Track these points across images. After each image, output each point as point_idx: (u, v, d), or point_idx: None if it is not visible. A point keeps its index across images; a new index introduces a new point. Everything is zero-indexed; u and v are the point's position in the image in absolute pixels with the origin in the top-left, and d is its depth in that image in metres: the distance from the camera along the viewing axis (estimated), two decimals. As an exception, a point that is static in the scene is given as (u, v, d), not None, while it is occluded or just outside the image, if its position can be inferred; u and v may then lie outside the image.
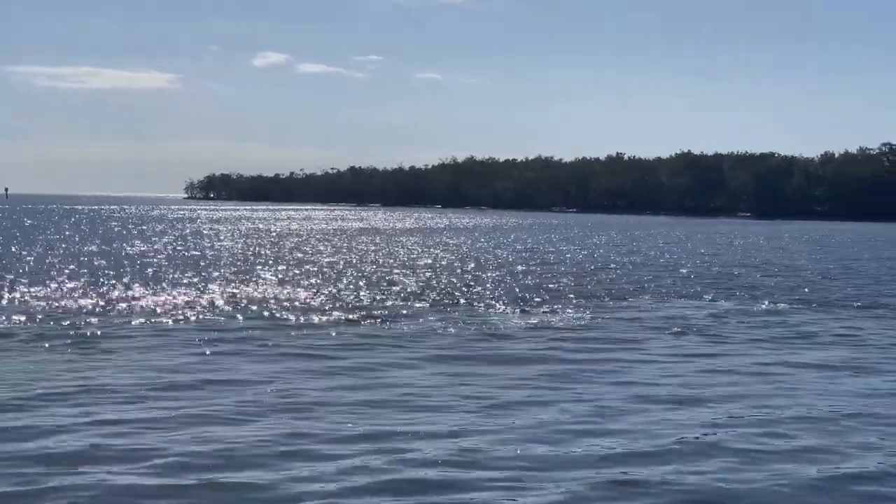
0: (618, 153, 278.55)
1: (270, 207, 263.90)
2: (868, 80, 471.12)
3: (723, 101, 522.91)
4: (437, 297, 31.83)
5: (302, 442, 13.20)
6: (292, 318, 25.85)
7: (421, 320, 25.81)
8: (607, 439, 13.70)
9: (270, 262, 48.44)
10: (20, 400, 15.23)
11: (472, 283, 37.50)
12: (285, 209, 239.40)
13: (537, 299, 31.97)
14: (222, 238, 77.09)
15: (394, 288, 34.76)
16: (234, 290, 32.77)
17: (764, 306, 31.56)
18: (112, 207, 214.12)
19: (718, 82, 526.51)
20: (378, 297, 31.44)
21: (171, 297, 30.13)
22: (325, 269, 43.60)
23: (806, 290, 38.14)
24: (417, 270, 44.04)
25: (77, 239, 69.99)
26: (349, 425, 14.13)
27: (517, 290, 35.25)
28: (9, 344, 20.55)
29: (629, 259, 56.76)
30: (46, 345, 20.47)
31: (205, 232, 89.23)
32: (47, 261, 45.96)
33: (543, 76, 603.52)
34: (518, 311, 28.58)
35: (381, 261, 50.96)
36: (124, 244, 63.75)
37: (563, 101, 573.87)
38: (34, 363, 18.41)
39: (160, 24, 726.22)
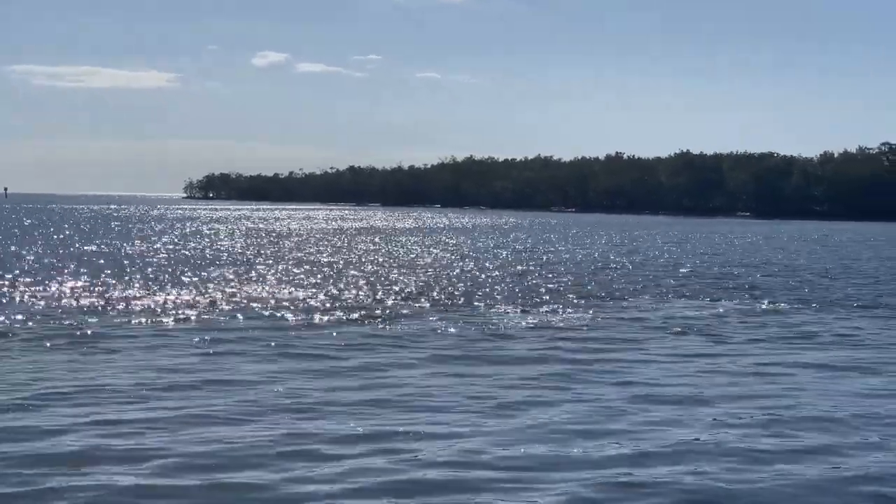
0: (617, 153, 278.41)
1: (270, 207, 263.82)
2: (868, 80, 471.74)
3: (723, 101, 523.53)
4: (438, 297, 31.83)
5: (303, 442, 13.19)
6: (292, 317, 25.84)
7: (421, 320, 25.81)
8: (608, 439, 13.69)
9: (270, 261, 48.43)
10: (20, 400, 15.21)
11: (471, 283, 37.49)
12: (285, 209, 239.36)
13: (537, 299, 31.97)
14: (222, 237, 77.07)
15: (394, 288, 34.76)
16: (235, 290, 32.76)
17: (764, 306, 31.57)
18: (111, 207, 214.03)
19: (718, 82, 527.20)
20: (378, 297, 31.44)
21: (171, 297, 30.12)
22: (325, 269, 43.58)
23: (806, 289, 38.15)
24: (417, 270, 44.05)
25: (77, 238, 69.97)
26: (350, 425, 14.12)
27: (517, 289, 35.25)
28: (9, 344, 20.54)
29: (629, 259, 56.75)
30: (47, 345, 20.46)
31: (204, 231, 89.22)
32: (47, 260, 45.95)
33: (543, 76, 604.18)
34: (518, 310, 28.58)
35: (380, 260, 50.96)
36: (124, 244, 63.74)
37: (562, 100, 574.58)
38: (34, 363, 18.40)
39: (159, 24, 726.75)
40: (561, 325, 25.73)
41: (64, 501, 10.80)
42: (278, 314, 26.50)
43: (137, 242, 66.11)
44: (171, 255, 52.10)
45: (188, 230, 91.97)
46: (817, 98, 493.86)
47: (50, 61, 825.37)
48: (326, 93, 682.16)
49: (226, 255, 53.99)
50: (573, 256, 58.51)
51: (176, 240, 71.64)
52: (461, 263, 49.70)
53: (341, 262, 49.19)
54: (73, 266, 42.34)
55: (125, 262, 46.23)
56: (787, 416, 15.35)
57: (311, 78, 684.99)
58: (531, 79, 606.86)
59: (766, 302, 32.80)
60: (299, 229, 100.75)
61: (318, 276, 39.83)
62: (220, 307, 27.91)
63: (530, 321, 26.19)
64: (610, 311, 28.95)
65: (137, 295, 30.66)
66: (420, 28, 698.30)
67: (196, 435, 13.39)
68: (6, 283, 33.81)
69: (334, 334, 22.99)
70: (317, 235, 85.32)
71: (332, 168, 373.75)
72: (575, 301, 31.64)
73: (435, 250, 62.55)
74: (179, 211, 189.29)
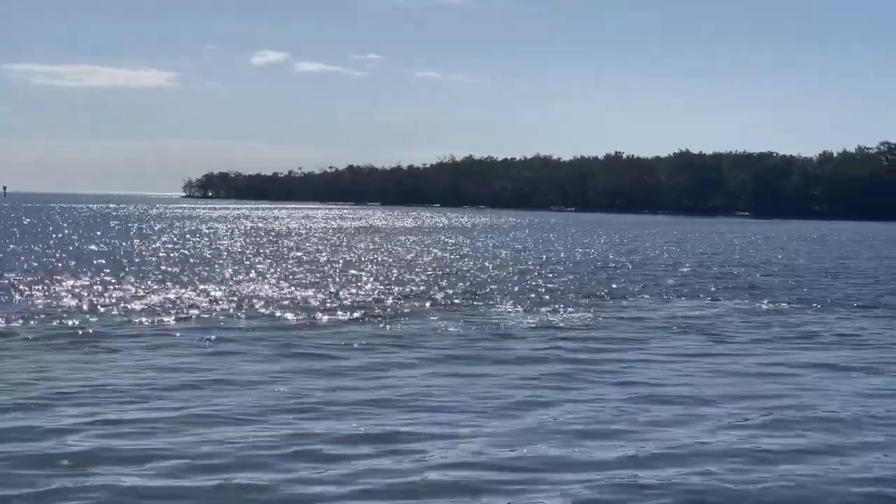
0: (616, 152, 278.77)
1: (269, 206, 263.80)
2: (867, 80, 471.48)
3: (722, 101, 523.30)
4: (438, 297, 31.81)
5: (306, 442, 13.17)
6: (293, 317, 25.82)
7: (422, 320, 25.80)
8: (612, 440, 13.67)
9: (270, 260, 48.42)
10: (22, 400, 15.19)
11: (472, 283, 37.48)
12: (284, 208, 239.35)
13: (537, 299, 31.96)
14: (222, 237, 77.05)
15: (394, 287, 34.74)
16: (235, 290, 32.75)
17: (764, 306, 31.57)
18: (111, 206, 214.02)
19: (718, 82, 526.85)
20: (378, 297, 31.42)
21: (172, 297, 30.09)
22: (325, 268, 43.58)
23: (805, 289, 38.16)
24: (417, 269, 44.03)
25: (76, 237, 69.94)
26: (353, 425, 14.11)
27: (517, 289, 35.24)
28: (10, 344, 20.51)
29: (629, 258, 56.77)
30: (48, 344, 20.43)
31: (204, 230, 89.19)
32: (47, 260, 45.92)
33: (543, 76, 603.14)
34: (519, 310, 28.57)
35: (380, 259, 50.96)
36: (124, 243, 63.71)
37: (562, 100, 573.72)
38: (35, 363, 18.36)
39: (159, 23, 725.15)
40: (561, 324, 25.72)
41: (66, 502, 10.77)
42: (279, 314, 26.48)
43: (137, 241, 66.08)
44: (171, 255, 52.08)
45: (187, 229, 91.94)
46: (817, 98, 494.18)
47: (49, 60, 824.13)
48: (326, 92, 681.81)
49: (225, 254, 53.97)
50: (573, 256, 58.51)
51: (175, 239, 71.64)
52: (461, 263, 49.70)
53: (341, 261, 49.17)
54: (73, 265, 42.32)
55: (125, 261, 46.20)
56: (790, 416, 15.34)
57: (311, 77, 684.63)
58: (531, 79, 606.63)
59: (766, 301, 32.80)
60: (299, 228, 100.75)
61: (318, 275, 39.82)
62: (221, 307, 27.89)
63: (531, 321, 26.18)
64: (610, 311, 28.94)
65: (138, 294, 30.63)
66: (420, 28, 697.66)
67: (199, 435, 13.37)
68: (6, 282, 33.77)
69: (336, 334, 22.97)
70: (316, 235, 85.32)
71: (331, 167, 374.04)
72: (575, 300, 31.64)
73: (435, 250, 62.56)
74: (179, 210, 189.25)
